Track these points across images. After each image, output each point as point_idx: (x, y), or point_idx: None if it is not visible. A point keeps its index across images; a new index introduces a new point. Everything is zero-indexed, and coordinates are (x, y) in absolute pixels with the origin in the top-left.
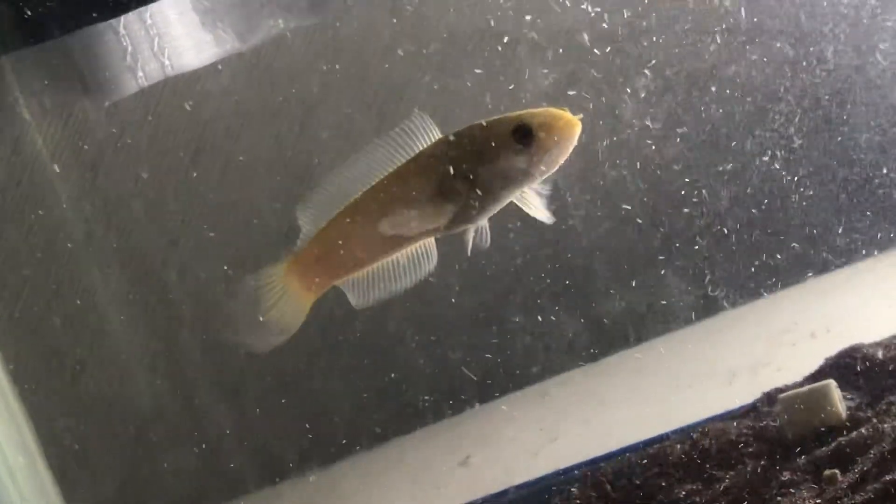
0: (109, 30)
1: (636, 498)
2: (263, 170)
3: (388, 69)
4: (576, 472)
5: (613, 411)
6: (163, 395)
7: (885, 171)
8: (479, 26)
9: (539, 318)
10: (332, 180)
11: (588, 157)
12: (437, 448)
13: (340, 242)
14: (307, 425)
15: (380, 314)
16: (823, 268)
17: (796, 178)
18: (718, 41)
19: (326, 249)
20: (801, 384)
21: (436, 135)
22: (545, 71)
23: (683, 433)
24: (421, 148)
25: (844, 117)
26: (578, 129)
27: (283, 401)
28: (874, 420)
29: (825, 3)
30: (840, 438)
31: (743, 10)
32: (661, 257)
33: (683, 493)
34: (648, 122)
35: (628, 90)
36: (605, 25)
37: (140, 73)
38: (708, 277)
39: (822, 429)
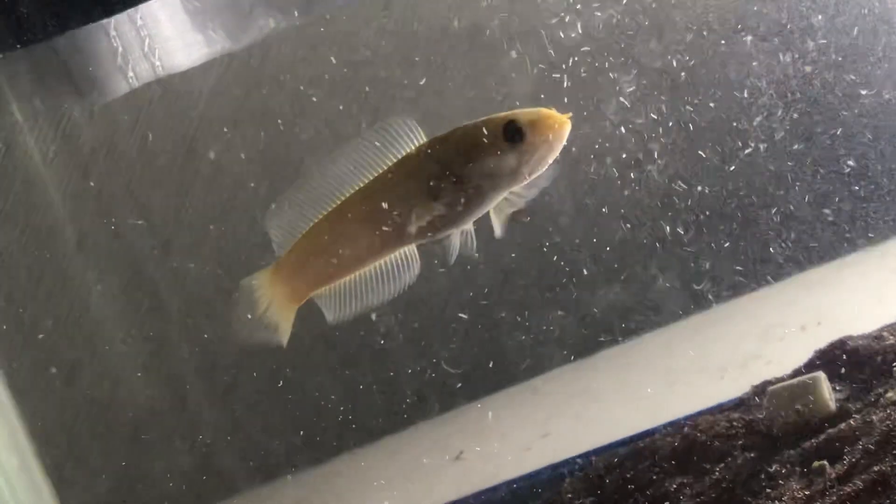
0: (100, 31)
1: (627, 491)
2: (254, 169)
3: (377, 68)
4: (567, 466)
5: (604, 406)
6: (156, 396)
7: (872, 166)
8: (471, 24)
9: (529, 314)
10: (305, 185)
11: (578, 153)
12: (430, 445)
13: (321, 251)
14: (300, 423)
15: (371, 313)
16: (812, 262)
17: (786, 174)
18: (705, 34)
19: (306, 258)
20: (790, 377)
21: (420, 138)
22: (533, 69)
23: (673, 427)
24: (405, 152)
25: (832, 113)
26: (568, 127)
27: (276, 400)
28: (863, 412)
29: None
30: (829, 430)
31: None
32: (650, 253)
33: (674, 486)
34: (634, 120)
35: (615, 88)
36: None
37: (131, 74)
38: (697, 273)
39: (811, 421)
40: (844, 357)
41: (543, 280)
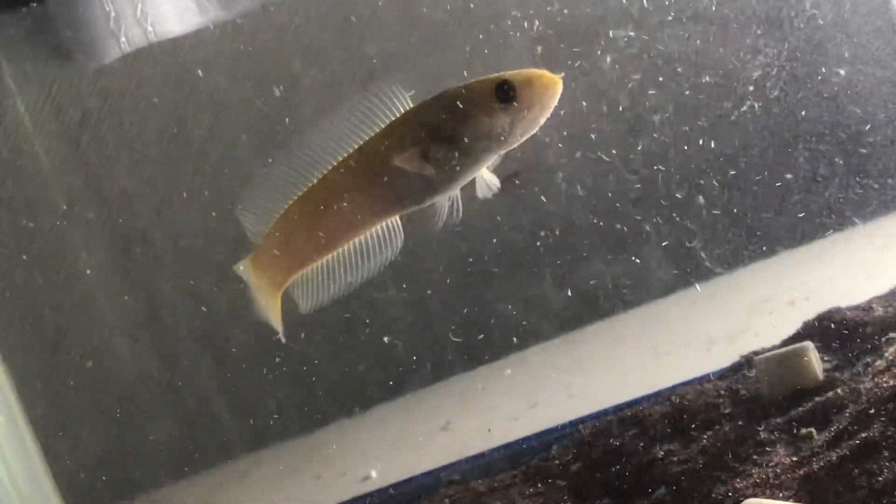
0: None
1: (615, 457)
2: (246, 139)
3: (373, 40)
4: (555, 433)
5: (593, 377)
6: (145, 363)
7: (861, 144)
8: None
9: (518, 287)
10: (278, 167)
11: (568, 128)
12: (419, 415)
13: (300, 233)
14: (290, 393)
15: (362, 286)
16: (800, 241)
17: (774, 154)
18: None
19: (284, 243)
20: (779, 348)
21: (407, 104)
22: (529, 46)
23: (661, 395)
24: (390, 119)
25: (821, 90)
26: (559, 87)
27: (265, 369)
28: (850, 381)
29: None
30: (816, 398)
31: None
32: (640, 229)
33: (662, 452)
34: (624, 95)
35: (606, 64)
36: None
37: (123, 40)
38: (686, 249)
39: (799, 389)
40: (833, 328)
41: (532, 253)
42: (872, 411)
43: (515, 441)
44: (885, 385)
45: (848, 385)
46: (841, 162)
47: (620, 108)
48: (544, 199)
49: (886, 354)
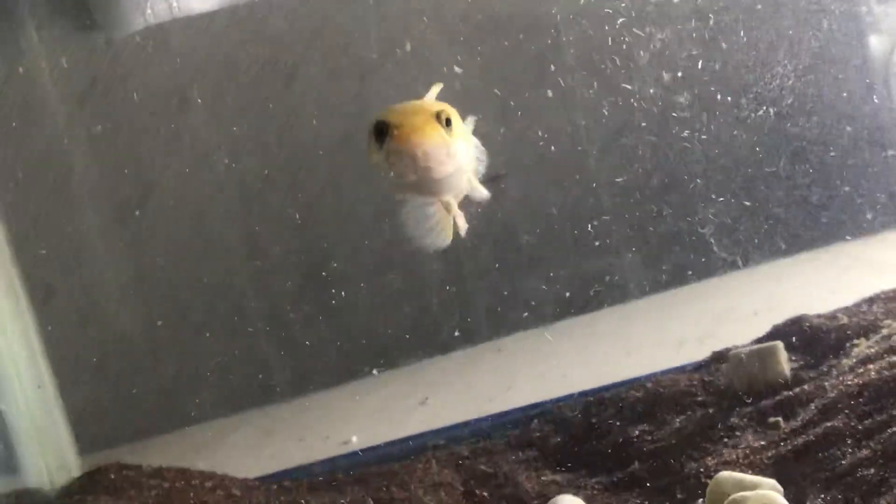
0: None
1: (593, 434)
2: (246, 120)
3: (373, 34)
4: (535, 409)
5: (567, 367)
6: (141, 321)
7: (827, 170)
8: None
9: (499, 279)
10: None
11: (551, 126)
12: (396, 390)
13: None
14: (271, 361)
15: (349, 265)
16: (766, 257)
17: (747, 172)
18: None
19: None
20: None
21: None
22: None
23: (639, 382)
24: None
25: (799, 111)
26: (426, 142)
27: (251, 337)
28: (816, 379)
29: None
30: (784, 392)
31: None
32: (616, 232)
33: (636, 432)
34: (608, 97)
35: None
36: None
37: (149, 12)
38: (660, 255)
39: (768, 384)
40: (800, 332)
41: (513, 248)
42: (838, 405)
43: (497, 413)
44: (849, 383)
45: (814, 382)
46: (808, 186)
47: (604, 109)
48: (525, 198)
49: (851, 355)
